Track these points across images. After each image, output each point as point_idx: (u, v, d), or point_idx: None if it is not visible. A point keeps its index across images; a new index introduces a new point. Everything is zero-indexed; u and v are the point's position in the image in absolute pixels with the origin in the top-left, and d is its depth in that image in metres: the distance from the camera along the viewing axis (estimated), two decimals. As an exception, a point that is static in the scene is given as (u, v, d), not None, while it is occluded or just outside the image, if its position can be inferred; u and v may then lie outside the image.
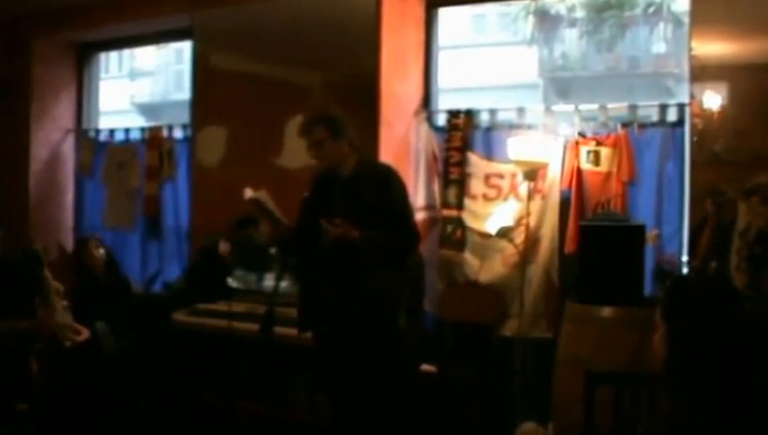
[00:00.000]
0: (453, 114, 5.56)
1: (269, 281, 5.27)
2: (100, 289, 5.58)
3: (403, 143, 5.67)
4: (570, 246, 5.06)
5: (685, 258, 4.83)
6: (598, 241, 4.50)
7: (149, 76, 14.37)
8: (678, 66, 8.91)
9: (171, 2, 6.47)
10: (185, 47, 7.65)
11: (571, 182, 5.11)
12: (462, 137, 5.50)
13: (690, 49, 4.82)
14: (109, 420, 4.99)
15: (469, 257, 5.48)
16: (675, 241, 4.91)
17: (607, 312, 4.30)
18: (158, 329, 5.53)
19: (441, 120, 5.67)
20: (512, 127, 5.37)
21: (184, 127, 6.75)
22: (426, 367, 5.16)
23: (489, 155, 5.45)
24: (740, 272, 4.25)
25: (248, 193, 3.86)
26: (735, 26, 4.75)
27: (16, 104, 7.31)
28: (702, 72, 4.73)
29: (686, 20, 5.33)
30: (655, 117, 5.04)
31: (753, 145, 4.58)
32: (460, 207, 5.49)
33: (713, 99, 4.71)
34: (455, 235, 5.50)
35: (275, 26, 5.94)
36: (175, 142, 6.80)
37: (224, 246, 5.52)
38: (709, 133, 4.72)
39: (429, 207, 5.61)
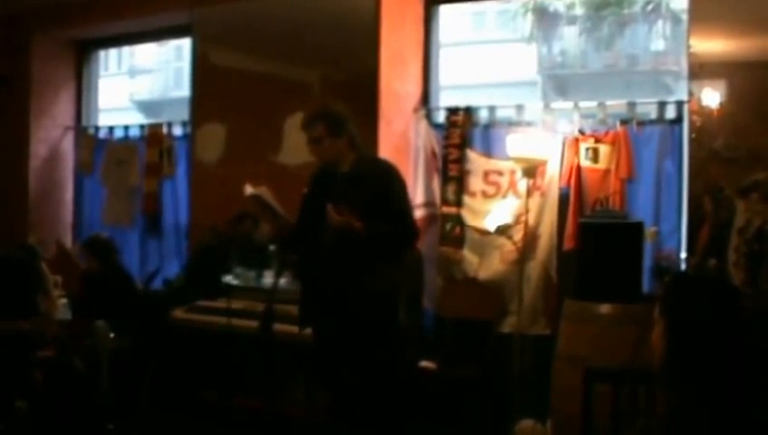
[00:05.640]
0: (452, 111, 5.57)
1: (268, 278, 5.28)
2: (100, 288, 5.58)
3: (402, 140, 5.68)
4: (568, 243, 5.07)
5: (683, 255, 4.84)
6: (596, 238, 4.51)
7: (149, 73, 14.33)
8: (677, 64, 8.90)
9: (171, -1, 6.50)
10: (184, 44, 7.65)
11: (569, 179, 5.12)
12: (461, 134, 5.50)
13: (689, 46, 4.83)
14: (108, 418, 5.00)
15: (468, 254, 5.49)
16: (673, 238, 4.92)
17: (605, 309, 4.31)
18: (158, 326, 5.53)
19: (440, 117, 5.68)
20: (511, 124, 5.38)
21: (183, 124, 6.75)
22: (425, 363, 5.18)
23: (488, 152, 5.45)
24: (738, 269, 4.26)
25: (248, 190, 3.86)
26: (734, 24, 4.75)
27: (16, 102, 7.32)
28: (700, 70, 4.74)
29: (685, 17, 5.34)
30: (653, 114, 5.05)
31: (751, 142, 4.59)
32: (459, 204, 5.50)
33: (711, 96, 4.72)
34: (454, 232, 5.51)
35: (275, 23, 5.94)
36: (174, 140, 6.80)
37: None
38: (708, 131, 4.73)
39: (428, 204, 5.62)
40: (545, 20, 10.61)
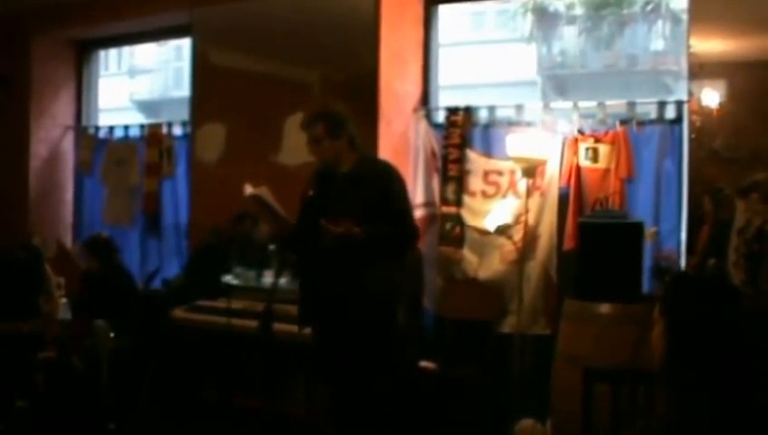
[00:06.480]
0: (452, 111, 5.57)
1: (268, 278, 5.28)
2: (101, 288, 5.59)
3: (402, 140, 5.68)
4: (568, 243, 5.07)
5: (683, 255, 4.84)
6: (596, 238, 4.51)
7: (149, 73, 14.35)
8: (677, 63, 8.91)
9: (171, -1, 6.50)
10: (184, 44, 7.65)
11: (569, 179, 5.12)
12: (461, 134, 5.51)
13: (689, 46, 4.83)
14: (109, 418, 5.01)
15: (468, 254, 5.49)
16: (673, 238, 4.92)
17: (605, 308, 4.31)
18: (158, 326, 5.53)
19: (440, 117, 5.68)
20: (510, 124, 5.39)
21: (183, 124, 6.75)
22: (425, 363, 5.18)
23: (488, 152, 5.46)
24: (738, 269, 4.26)
25: (248, 189, 3.86)
26: (734, 24, 4.76)
27: (16, 102, 7.32)
28: (700, 70, 4.74)
29: (685, 17, 5.35)
30: (653, 114, 5.05)
31: (751, 142, 4.59)
32: (459, 204, 5.50)
33: (711, 96, 4.72)
34: (453, 232, 5.51)
35: (275, 23, 5.95)
36: (174, 139, 6.80)
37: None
38: (707, 130, 4.73)
39: (428, 203, 5.62)
40: (545, 20, 10.61)
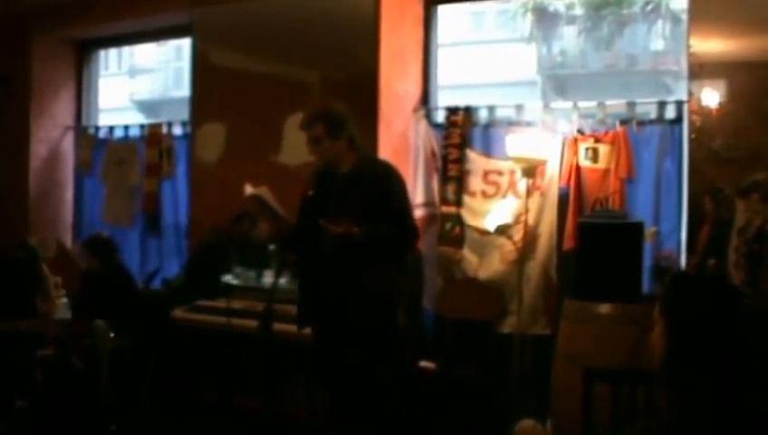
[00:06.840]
0: (452, 111, 5.57)
1: (268, 278, 5.28)
2: (101, 288, 5.59)
3: (402, 140, 5.68)
4: (568, 243, 5.07)
5: (683, 255, 4.84)
6: (596, 238, 4.51)
7: (149, 73, 14.35)
8: (677, 63, 8.91)
9: (171, -1, 6.50)
10: (184, 44, 7.66)
11: (569, 179, 5.12)
12: (460, 134, 5.51)
13: (689, 46, 4.83)
14: (109, 418, 5.00)
15: (468, 254, 5.49)
16: (673, 238, 4.92)
17: (605, 309, 4.31)
18: (158, 326, 5.53)
19: (440, 117, 5.68)
20: (510, 124, 5.38)
21: (183, 124, 6.75)
22: (425, 363, 5.18)
23: (488, 152, 5.46)
24: (738, 269, 4.27)
25: (249, 189, 3.87)
26: (734, 24, 4.76)
27: (16, 102, 7.32)
28: (700, 70, 4.75)
29: (685, 17, 5.35)
30: (653, 114, 5.05)
31: (751, 142, 4.59)
32: (459, 204, 5.50)
33: (711, 96, 4.72)
34: (453, 232, 5.51)
35: (275, 23, 5.95)
36: (174, 139, 6.80)
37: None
38: (707, 130, 4.73)
39: (428, 203, 5.62)
40: (545, 20, 10.61)
